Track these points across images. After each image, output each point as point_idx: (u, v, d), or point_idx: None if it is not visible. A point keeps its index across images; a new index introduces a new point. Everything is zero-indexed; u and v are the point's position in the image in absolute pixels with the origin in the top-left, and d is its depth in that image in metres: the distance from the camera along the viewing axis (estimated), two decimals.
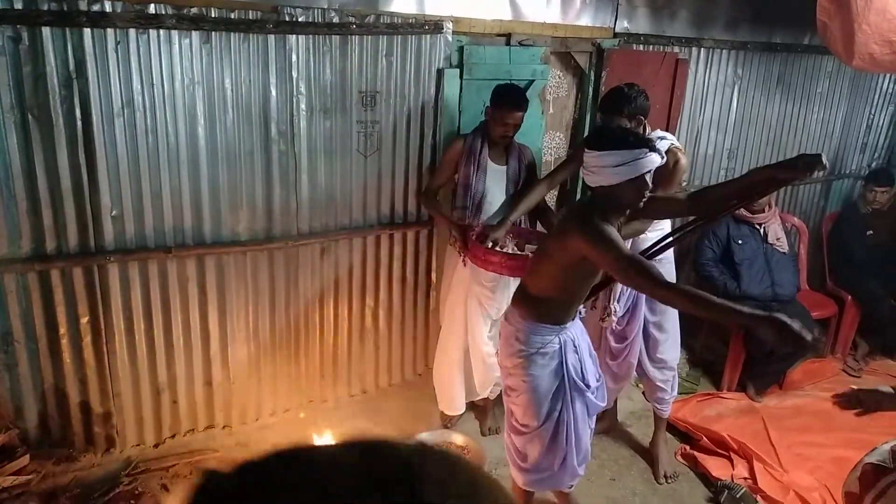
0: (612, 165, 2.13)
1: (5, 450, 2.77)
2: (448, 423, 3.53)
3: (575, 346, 2.47)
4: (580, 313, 2.53)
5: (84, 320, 2.88)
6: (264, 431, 3.38)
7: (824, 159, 2.11)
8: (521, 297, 2.46)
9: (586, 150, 2.22)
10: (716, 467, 3.30)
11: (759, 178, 2.37)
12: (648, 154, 2.14)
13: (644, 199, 2.24)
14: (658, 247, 2.70)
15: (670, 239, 2.71)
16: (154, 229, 2.92)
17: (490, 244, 2.96)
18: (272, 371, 3.41)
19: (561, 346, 2.42)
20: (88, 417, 3.03)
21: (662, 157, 2.21)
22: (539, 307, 2.40)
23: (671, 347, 3.26)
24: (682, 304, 2.16)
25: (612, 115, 2.85)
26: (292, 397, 3.53)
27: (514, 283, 3.16)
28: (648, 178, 2.20)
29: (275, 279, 3.28)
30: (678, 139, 3.12)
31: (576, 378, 2.45)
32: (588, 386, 2.49)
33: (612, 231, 2.15)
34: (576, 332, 2.49)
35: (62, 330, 2.86)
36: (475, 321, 3.22)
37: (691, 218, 2.76)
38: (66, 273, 2.80)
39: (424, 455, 0.57)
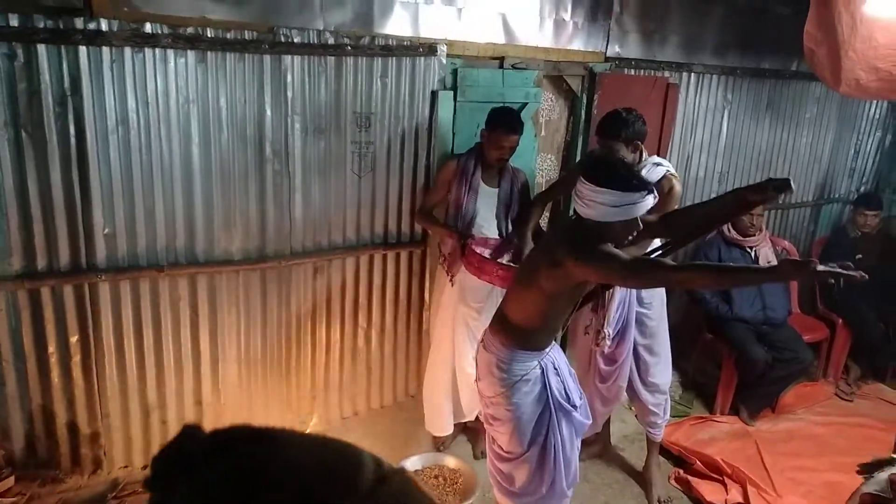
0: (608, 204, 2.08)
1: None
2: (440, 445, 3.49)
3: (556, 368, 2.42)
4: None
5: (74, 339, 2.85)
6: None
7: (792, 183, 2.15)
8: (500, 325, 2.39)
9: (583, 179, 2.14)
10: (709, 492, 3.28)
11: (728, 200, 2.38)
12: (646, 197, 2.10)
13: (631, 237, 2.23)
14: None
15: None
16: (146, 248, 2.90)
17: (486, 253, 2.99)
18: (263, 391, 3.38)
19: (543, 371, 2.37)
20: (76, 438, 2.98)
21: (656, 198, 2.19)
22: (521, 335, 2.33)
23: (663, 371, 3.25)
24: (702, 279, 2.15)
25: (609, 140, 2.85)
26: (283, 418, 3.49)
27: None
28: (640, 217, 2.17)
29: (267, 299, 3.26)
30: (669, 163, 3.15)
31: (561, 400, 2.40)
32: (575, 406, 2.45)
33: (605, 247, 2.12)
34: (554, 353, 2.45)
35: (51, 349, 2.83)
36: (461, 343, 3.21)
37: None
38: (57, 291, 2.78)
39: (384, 477, 0.58)
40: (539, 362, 2.37)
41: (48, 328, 2.80)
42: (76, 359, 2.88)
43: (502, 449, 2.47)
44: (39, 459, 2.93)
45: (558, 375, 2.43)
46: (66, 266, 2.77)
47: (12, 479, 2.76)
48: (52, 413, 2.91)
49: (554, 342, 2.48)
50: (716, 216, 2.51)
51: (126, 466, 3.11)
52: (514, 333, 2.34)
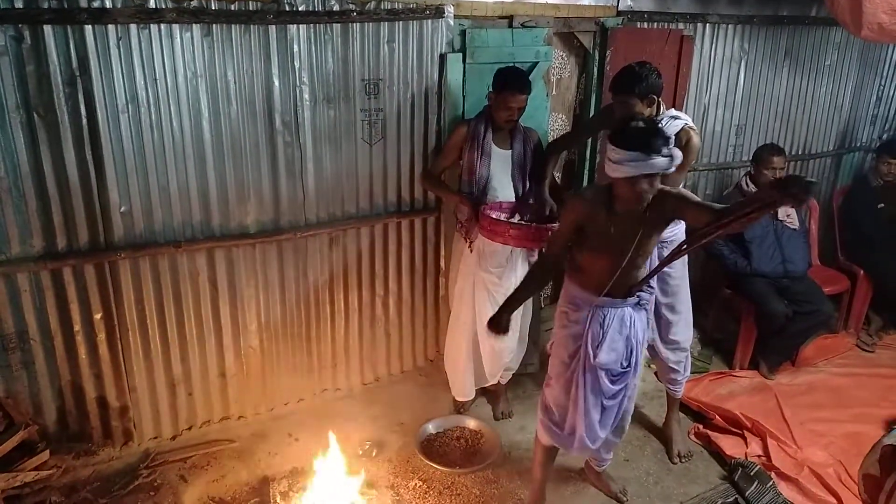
0: (615, 161, 2.23)
1: (26, 446, 2.81)
2: (461, 408, 3.55)
3: (604, 323, 2.50)
4: (639, 297, 2.54)
5: (98, 316, 2.91)
6: (279, 421, 3.41)
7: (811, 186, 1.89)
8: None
9: (609, 141, 2.27)
10: (729, 446, 3.31)
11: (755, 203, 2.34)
12: (649, 158, 2.15)
13: (642, 200, 2.29)
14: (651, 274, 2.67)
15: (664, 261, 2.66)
16: (163, 224, 2.93)
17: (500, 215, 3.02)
18: (285, 361, 3.44)
19: (588, 317, 2.50)
20: (106, 412, 3.07)
21: (672, 160, 2.20)
22: (574, 273, 2.57)
23: (684, 329, 3.25)
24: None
25: (624, 95, 2.81)
26: (306, 386, 3.56)
27: (520, 269, 3.18)
28: (649, 181, 2.22)
29: (284, 270, 3.29)
30: (687, 116, 3.09)
31: (589, 349, 2.52)
32: (607, 370, 2.54)
33: (568, 211, 2.47)
34: (617, 313, 2.52)
35: (76, 327, 2.89)
36: (482, 309, 3.22)
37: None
38: (78, 270, 2.83)
39: None
40: (590, 310, 2.51)
41: (72, 307, 2.86)
42: (101, 336, 2.94)
43: (548, 373, 2.75)
44: (72, 433, 3.03)
45: (602, 328, 2.51)
46: (86, 245, 2.81)
47: (47, 452, 2.85)
48: (82, 388, 2.99)
49: (626, 307, 2.53)
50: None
51: (156, 437, 3.20)
52: (571, 271, 2.61)
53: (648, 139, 2.18)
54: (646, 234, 2.38)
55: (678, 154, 2.24)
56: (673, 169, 2.26)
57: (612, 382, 2.59)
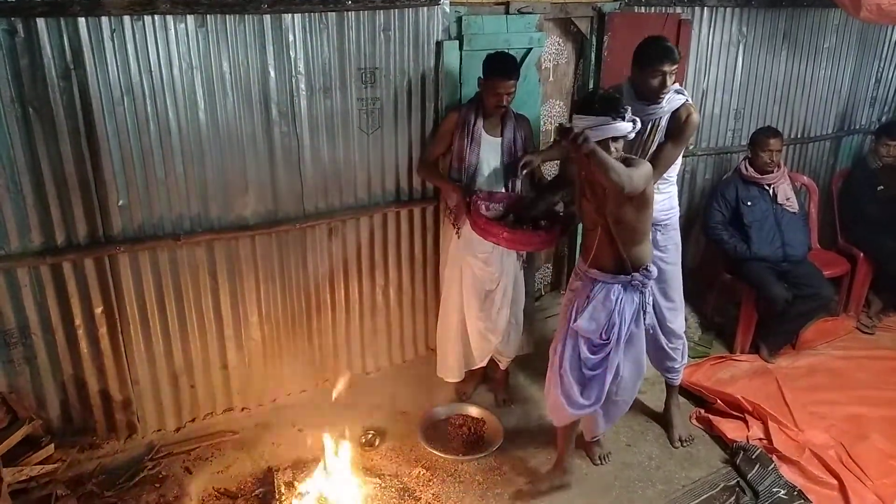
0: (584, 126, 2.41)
1: (30, 440, 2.81)
2: (463, 395, 3.56)
3: (591, 293, 2.65)
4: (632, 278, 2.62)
5: (98, 310, 2.91)
6: (282, 412, 3.42)
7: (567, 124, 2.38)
8: None
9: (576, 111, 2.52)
10: (731, 429, 3.32)
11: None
12: (614, 123, 2.39)
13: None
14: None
15: None
16: (162, 217, 2.93)
17: (486, 209, 3.03)
18: (287, 352, 3.45)
19: (580, 287, 2.71)
20: (109, 405, 3.08)
21: (634, 127, 2.44)
22: (582, 244, 2.79)
23: (677, 316, 3.25)
24: None
25: (662, 64, 2.78)
26: (307, 377, 3.57)
27: (507, 256, 3.18)
28: (615, 144, 2.45)
29: (284, 261, 3.29)
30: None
31: (573, 314, 2.69)
32: (589, 340, 2.67)
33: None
34: (606, 287, 2.63)
35: (77, 321, 2.89)
36: (469, 294, 3.25)
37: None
38: (78, 265, 2.82)
39: None
40: (581, 278, 2.72)
41: (73, 301, 2.86)
42: (102, 330, 2.94)
43: None
44: (76, 427, 3.04)
45: (589, 300, 2.66)
46: (85, 240, 2.80)
47: (52, 446, 2.85)
48: (84, 382, 2.99)
49: (611, 276, 2.65)
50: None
51: (160, 430, 3.21)
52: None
53: (615, 105, 2.42)
54: (615, 203, 2.49)
55: (637, 122, 2.48)
56: (633, 135, 2.49)
57: (592, 353, 2.70)
